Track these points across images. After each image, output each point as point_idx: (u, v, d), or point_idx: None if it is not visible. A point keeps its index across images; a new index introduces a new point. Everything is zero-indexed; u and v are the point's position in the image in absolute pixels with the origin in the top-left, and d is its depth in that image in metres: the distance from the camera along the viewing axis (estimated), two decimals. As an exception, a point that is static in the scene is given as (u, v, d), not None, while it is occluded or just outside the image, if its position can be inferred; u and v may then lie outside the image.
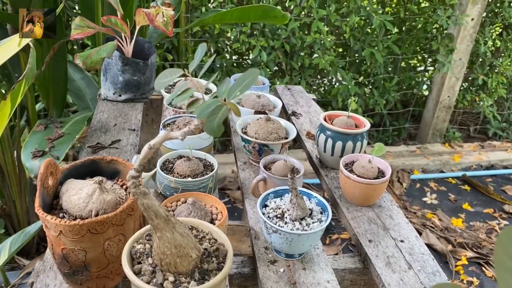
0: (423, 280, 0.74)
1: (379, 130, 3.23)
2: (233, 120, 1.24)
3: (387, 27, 2.62)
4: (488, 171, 3.12)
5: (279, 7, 1.64)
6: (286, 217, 0.75)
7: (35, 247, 2.02)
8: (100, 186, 0.67)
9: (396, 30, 3.01)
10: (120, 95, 1.27)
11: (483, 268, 2.25)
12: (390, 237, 0.84)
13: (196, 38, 2.66)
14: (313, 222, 0.75)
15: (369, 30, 2.91)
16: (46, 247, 2.05)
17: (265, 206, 0.79)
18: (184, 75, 0.54)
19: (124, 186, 0.75)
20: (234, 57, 2.76)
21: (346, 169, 0.92)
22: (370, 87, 3.13)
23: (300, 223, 0.74)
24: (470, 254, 2.33)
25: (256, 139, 0.98)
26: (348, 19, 2.62)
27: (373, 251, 0.80)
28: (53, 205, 0.69)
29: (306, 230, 0.73)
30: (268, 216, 0.76)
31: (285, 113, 1.35)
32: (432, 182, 2.94)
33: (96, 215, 0.65)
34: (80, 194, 0.67)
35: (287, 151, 0.93)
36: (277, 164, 0.90)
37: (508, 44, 3.12)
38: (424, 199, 2.73)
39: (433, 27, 3.06)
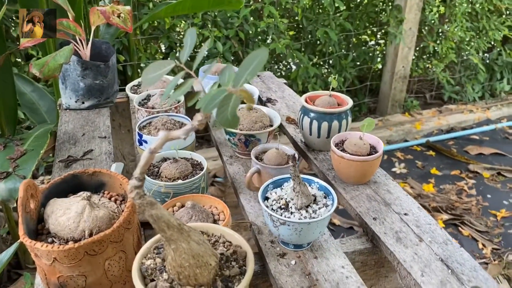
0: (436, 251, 0.73)
1: (341, 108, 3.25)
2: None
3: (337, 5, 2.62)
4: (449, 135, 3.22)
5: (230, -7, 1.59)
6: (291, 207, 0.71)
7: (6, 275, 1.90)
8: (89, 202, 0.61)
9: (344, 7, 3.03)
10: (83, 102, 1.19)
11: (459, 228, 2.31)
12: (393, 212, 0.82)
13: (146, 35, 2.56)
14: (319, 208, 0.72)
15: (320, 11, 2.91)
16: (19, 274, 1.94)
17: (266, 198, 0.75)
18: (181, 68, 0.49)
19: (113, 199, 0.69)
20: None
21: (338, 149, 0.89)
22: (327, 67, 3.13)
23: (307, 211, 0.71)
24: (445, 216, 2.39)
25: (241, 130, 0.94)
26: (298, 1, 2.60)
27: (380, 228, 0.78)
28: (38, 230, 0.62)
29: (314, 218, 0.69)
30: (272, 208, 0.72)
31: (260, 101, 1.30)
32: (398, 152, 2.99)
33: (90, 234, 0.59)
34: (68, 214, 0.60)
35: (278, 139, 0.89)
36: (269, 153, 0.86)
37: (452, 10, 3.21)
38: (394, 169, 2.77)
39: (380, 0, 3.10)
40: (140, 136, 0.91)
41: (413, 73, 3.35)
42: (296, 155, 0.85)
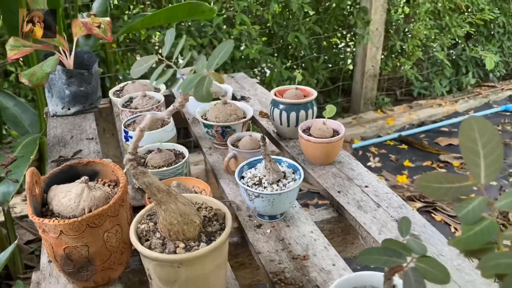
0: (392, 214, 0.84)
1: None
2: (188, 112, 1.28)
3: (306, 10, 2.75)
4: (420, 128, 3.37)
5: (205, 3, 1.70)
6: (264, 182, 0.82)
7: (-2, 285, 1.95)
8: (87, 185, 0.70)
9: (313, 12, 3.16)
10: (69, 109, 1.27)
11: (432, 214, 2.44)
12: (355, 185, 0.93)
13: (122, 47, 2.65)
14: (288, 182, 0.82)
15: (290, 16, 3.03)
16: (10, 285, 1.98)
17: (242, 177, 0.85)
18: (161, 61, 0.59)
19: (106, 184, 0.78)
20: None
21: (305, 134, 1.00)
22: (299, 68, 3.26)
23: (278, 185, 0.81)
24: (418, 204, 2.52)
25: (218, 122, 1.04)
26: (269, 7, 2.72)
27: (344, 199, 0.89)
28: (43, 213, 0.71)
29: (284, 189, 0.80)
30: (248, 185, 0.82)
31: (234, 99, 1.41)
32: (372, 147, 3.13)
33: (90, 212, 0.68)
34: (69, 196, 0.69)
35: (251, 128, 1.00)
36: (243, 140, 0.97)
37: (416, 10, 3.37)
38: (369, 163, 2.89)
39: (347, 3, 3.25)
40: (126, 132, 1.00)
41: (382, 71, 3.50)
42: (267, 139, 0.96)
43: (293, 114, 1.08)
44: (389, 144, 3.16)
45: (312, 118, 1.10)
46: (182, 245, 0.57)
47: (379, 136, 3.28)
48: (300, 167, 0.85)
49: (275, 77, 2.89)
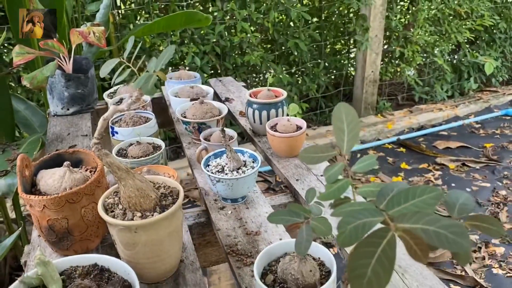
0: (340, 198, 0.94)
1: (317, 113, 3.48)
2: (174, 113, 1.41)
3: (305, 18, 2.87)
4: (419, 132, 3.43)
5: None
6: (225, 170, 0.93)
7: (8, 277, 2.09)
8: (69, 169, 0.83)
9: (316, 19, 3.28)
10: (68, 109, 1.41)
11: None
12: (312, 175, 1.04)
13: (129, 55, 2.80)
14: (247, 170, 0.94)
15: (291, 24, 3.15)
16: (18, 275, 2.13)
17: (208, 165, 0.97)
18: (123, 64, 0.71)
19: (88, 171, 0.90)
20: (170, 68, 2.93)
21: (272, 130, 1.12)
22: (300, 74, 3.37)
23: (238, 172, 0.93)
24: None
25: (195, 119, 1.16)
26: (268, 16, 2.85)
27: (300, 186, 1.00)
28: (32, 192, 0.84)
29: (242, 175, 0.91)
30: (212, 172, 0.94)
31: (219, 101, 1.54)
32: (371, 150, 3.21)
33: (70, 191, 0.81)
34: (54, 177, 0.82)
35: (224, 124, 1.12)
36: (214, 134, 1.09)
37: (415, 16, 3.46)
38: (366, 165, 2.97)
39: (347, 11, 3.36)
40: (112, 128, 1.13)
41: (383, 76, 3.59)
42: (234, 134, 1.08)
43: (264, 113, 1.20)
44: (388, 147, 3.24)
45: (283, 116, 1.22)
46: (139, 214, 0.69)
47: (378, 140, 3.36)
48: (259, 157, 0.96)
49: (275, 83, 3.01)
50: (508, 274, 2.04)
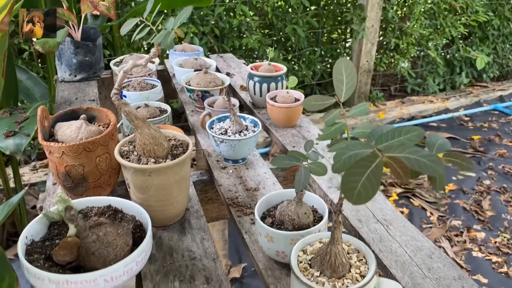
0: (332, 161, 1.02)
1: (311, 99, 3.55)
2: (178, 82, 1.48)
3: (304, 4, 2.93)
4: (410, 122, 3.52)
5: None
6: (228, 132, 1.01)
7: (5, 243, 2.15)
8: (85, 121, 0.90)
9: (314, 6, 3.33)
10: (75, 76, 1.47)
11: (411, 199, 2.61)
12: (309, 142, 1.12)
13: (129, 32, 2.85)
14: (248, 133, 1.01)
15: (290, 9, 3.21)
16: (15, 241, 2.18)
17: (212, 128, 1.04)
18: (144, 24, 0.78)
19: (101, 126, 0.97)
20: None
21: (271, 101, 1.19)
22: (296, 61, 3.44)
23: (240, 135, 1.00)
24: (399, 190, 2.69)
25: (199, 87, 1.23)
26: (268, 0, 2.90)
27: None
28: (50, 141, 0.91)
29: (243, 137, 0.99)
30: (215, 133, 1.01)
31: (220, 75, 1.61)
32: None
33: (86, 141, 0.87)
34: (71, 128, 0.89)
35: (226, 92, 1.19)
36: (217, 101, 1.16)
37: (411, 9, 3.53)
38: (356, 151, 3.05)
39: (345, 0, 3.42)
40: (121, 92, 1.20)
41: (377, 67, 3.66)
42: (237, 102, 1.16)
43: (265, 86, 1.27)
44: (378, 135, 3.32)
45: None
46: (152, 160, 0.76)
47: (370, 128, 3.44)
48: (259, 122, 1.04)
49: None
50: (487, 257, 2.14)
